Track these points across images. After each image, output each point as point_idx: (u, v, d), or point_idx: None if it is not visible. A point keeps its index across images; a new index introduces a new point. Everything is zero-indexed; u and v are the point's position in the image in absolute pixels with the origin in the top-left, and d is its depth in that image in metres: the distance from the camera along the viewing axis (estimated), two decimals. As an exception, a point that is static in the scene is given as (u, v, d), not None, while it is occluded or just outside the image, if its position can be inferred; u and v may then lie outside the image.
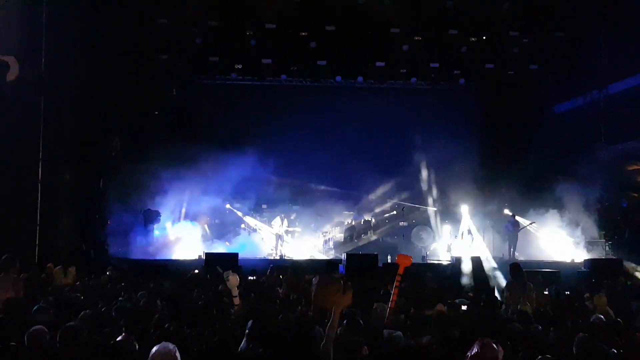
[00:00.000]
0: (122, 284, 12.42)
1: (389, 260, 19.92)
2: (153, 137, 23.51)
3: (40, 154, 16.91)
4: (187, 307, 9.09)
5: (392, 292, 8.15)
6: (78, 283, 12.40)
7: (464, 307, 9.66)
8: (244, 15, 22.75)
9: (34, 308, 8.01)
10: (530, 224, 22.01)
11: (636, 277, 17.36)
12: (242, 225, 24.27)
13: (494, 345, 4.88)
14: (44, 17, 17.02)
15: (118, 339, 5.93)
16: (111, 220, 20.03)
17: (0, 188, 16.34)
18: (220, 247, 22.11)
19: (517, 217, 22.10)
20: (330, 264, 17.67)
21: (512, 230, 21.83)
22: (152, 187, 21.70)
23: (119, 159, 21.15)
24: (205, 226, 23.53)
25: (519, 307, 10.03)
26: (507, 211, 22.94)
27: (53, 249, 16.62)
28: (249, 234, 24.07)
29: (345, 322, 6.74)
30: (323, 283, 8.94)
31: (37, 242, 16.63)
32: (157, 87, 24.12)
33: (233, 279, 9.12)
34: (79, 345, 6.05)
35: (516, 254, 21.62)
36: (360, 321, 6.92)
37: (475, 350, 4.91)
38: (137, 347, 5.86)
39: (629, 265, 18.57)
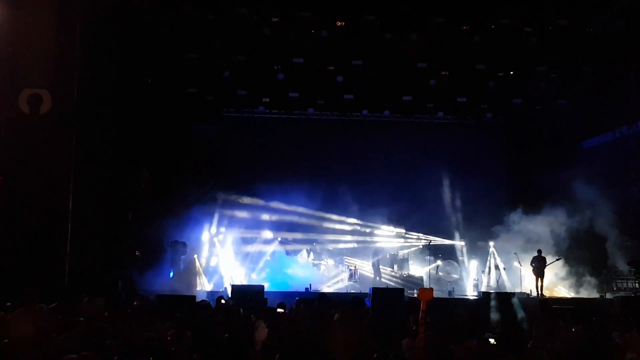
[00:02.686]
0: (150, 315, 12.44)
1: (415, 295, 19.80)
2: (181, 169, 23.73)
3: (71, 185, 17.15)
4: (213, 338, 9.09)
5: (419, 329, 8.08)
6: (106, 314, 12.46)
7: (491, 341, 9.58)
8: (272, 49, 23.06)
9: (61, 336, 8.08)
10: (557, 259, 21.67)
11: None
12: (268, 257, 24.21)
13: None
14: (77, 51, 17.41)
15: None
16: (139, 251, 20.18)
17: (31, 219, 16.58)
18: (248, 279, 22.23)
19: (543, 254, 21.73)
20: (356, 300, 17.39)
21: (539, 267, 21.46)
22: (179, 218, 21.83)
23: (147, 191, 21.37)
24: (233, 257, 23.53)
25: (548, 344, 9.87)
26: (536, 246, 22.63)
27: (82, 280, 16.71)
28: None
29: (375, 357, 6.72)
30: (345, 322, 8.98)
31: (66, 274, 16.78)
32: (186, 120, 24.44)
33: (262, 333, 9.13)
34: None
35: (545, 290, 21.25)
36: (391, 356, 6.87)
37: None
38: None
39: None
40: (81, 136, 17.57)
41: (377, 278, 23.39)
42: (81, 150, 17.57)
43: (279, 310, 12.56)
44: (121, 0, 18.67)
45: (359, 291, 21.57)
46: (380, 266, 24.07)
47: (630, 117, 22.74)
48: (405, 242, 25.48)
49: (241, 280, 21.92)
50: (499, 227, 23.26)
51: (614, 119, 23.25)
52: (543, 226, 22.80)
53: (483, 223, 23.73)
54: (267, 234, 24.09)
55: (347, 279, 23.76)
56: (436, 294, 21.19)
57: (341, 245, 24.97)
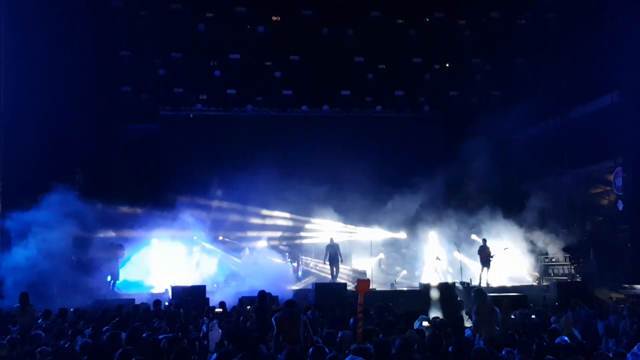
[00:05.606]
0: (87, 319, 12.15)
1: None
2: (117, 170, 23.25)
3: (0, 189, 16.61)
4: (152, 341, 8.90)
5: (358, 322, 8.18)
6: (40, 321, 12.14)
7: (425, 324, 9.75)
8: (208, 46, 22.84)
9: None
10: (504, 249, 21.91)
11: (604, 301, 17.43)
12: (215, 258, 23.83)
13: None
14: (2, 51, 16.83)
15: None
16: (75, 255, 19.64)
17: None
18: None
19: (488, 243, 21.97)
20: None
21: (484, 257, 21.64)
22: (116, 220, 21.36)
23: (82, 193, 20.81)
24: (173, 258, 23.10)
25: (487, 331, 10.00)
26: (474, 236, 22.96)
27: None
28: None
29: (311, 351, 6.69)
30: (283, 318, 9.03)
31: (-1, 281, 16.24)
32: (121, 120, 23.95)
33: (215, 334, 9.10)
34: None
35: (488, 278, 21.44)
36: (327, 350, 6.84)
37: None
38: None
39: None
40: (8, 140, 17.00)
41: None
42: (10, 154, 17.01)
43: (217, 310, 12.52)
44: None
45: (302, 287, 21.55)
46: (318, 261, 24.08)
47: (562, 107, 23.29)
48: (349, 236, 25.48)
49: (183, 281, 21.59)
50: (439, 218, 23.49)
51: (546, 109, 23.74)
52: (480, 216, 23.20)
53: (423, 214, 23.93)
54: (206, 232, 23.73)
55: (290, 276, 23.66)
56: (379, 286, 21.39)
57: (283, 242, 24.89)
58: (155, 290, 19.95)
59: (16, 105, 17.25)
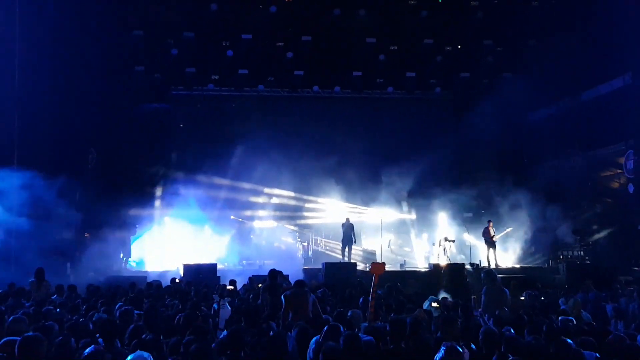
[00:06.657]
0: (100, 295, 12.31)
1: (368, 269, 19.96)
2: (129, 149, 23.35)
3: (15, 167, 16.77)
4: (164, 317, 9.05)
5: (370, 302, 8.29)
6: (54, 297, 12.31)
7: (434, 305, 9.85)
8: (220, 26, 22.82)
9: (10, 319, 7.92)
10: (507, 230, 22.02)
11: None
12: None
13: (459, 348, 5.01)
14: (17, 30, 16.93)
15: (88, 350, 5.73)
16: (88, 232, 19.86)
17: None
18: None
19: (492, 224, 22.00)
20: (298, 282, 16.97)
21: (489, 237, 21.73)
22: (128, 198, 21.53)
23: (95, 171, 21.01)
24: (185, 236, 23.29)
25: (496, 312, 10.09)
26: (484, 218, 22.97)
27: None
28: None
29: (325, 329, 6.76)
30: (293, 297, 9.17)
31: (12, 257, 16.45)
32: (133, 99, 24.04)
33: (225, 312, 9.25)
34: (39, 356, 5.76)
35: (497, 259, 21.51)
36: (341, 328, 6.93)
37: (441, 354, 5.07)
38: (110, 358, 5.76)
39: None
40: (23, 118, 17.14)
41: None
42: (25, 132, 17.16)
43: (229, 287, 12.66)
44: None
45: (312, 266, 21.69)
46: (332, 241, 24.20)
47: (574, 89, 23.14)
48: (359, 217, 25.57)
49: (195, 259, 21.77)
50: (449, 200, 23.52)
51: (557, 91, 23.62)
52: (489, 198, 23.21)
53: (433, 196, 23.95)
54: (217, 212, 23.91)
55: (300, 255, 23.85)
56: (388, 266, 21.47)
57: (293, 222, 25.05)
58: (167, 268, 20.15)
59: (30, 85, 17.37)
